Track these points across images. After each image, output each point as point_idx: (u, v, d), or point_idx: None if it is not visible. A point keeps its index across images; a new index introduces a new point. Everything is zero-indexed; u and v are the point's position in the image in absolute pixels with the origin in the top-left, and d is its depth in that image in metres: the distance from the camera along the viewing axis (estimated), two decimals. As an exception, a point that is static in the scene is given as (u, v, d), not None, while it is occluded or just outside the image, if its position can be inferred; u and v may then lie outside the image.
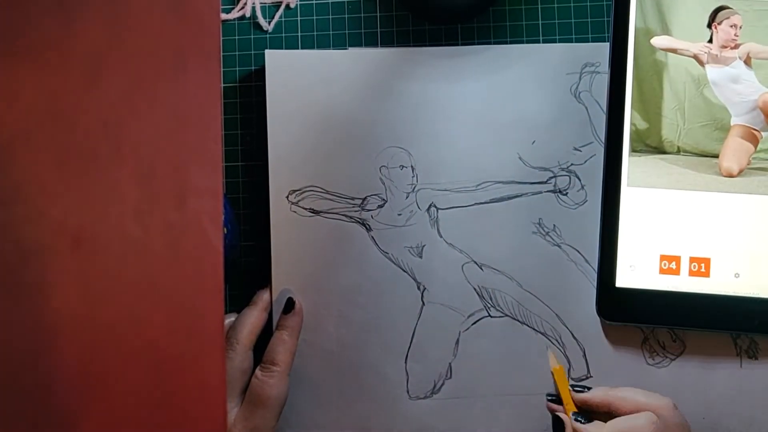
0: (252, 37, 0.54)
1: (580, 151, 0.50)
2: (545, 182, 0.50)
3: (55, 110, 0.33)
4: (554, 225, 0.50)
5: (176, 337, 0.35)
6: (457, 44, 0.53)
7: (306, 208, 0.51)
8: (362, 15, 0.53)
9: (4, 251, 0.32)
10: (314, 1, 0.53)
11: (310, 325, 0.50)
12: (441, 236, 0.51)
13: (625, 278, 0.48)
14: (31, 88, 0.33)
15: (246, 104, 0.53)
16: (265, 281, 0.51)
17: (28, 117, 0.33)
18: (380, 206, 0.51)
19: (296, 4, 0.53)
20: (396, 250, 0.51)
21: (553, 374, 0.49)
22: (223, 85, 0.53)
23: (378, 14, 0.53)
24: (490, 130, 0.51)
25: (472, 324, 0.50)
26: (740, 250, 0.48)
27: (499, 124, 0.51)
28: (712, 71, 0.48)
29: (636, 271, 0.48)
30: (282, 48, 0.53)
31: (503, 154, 0.51)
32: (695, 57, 0.49)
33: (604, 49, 0.50)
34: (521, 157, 0.51)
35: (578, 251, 0.50)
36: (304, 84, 0.51)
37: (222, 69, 0.53)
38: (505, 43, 0.52)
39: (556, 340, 0.50)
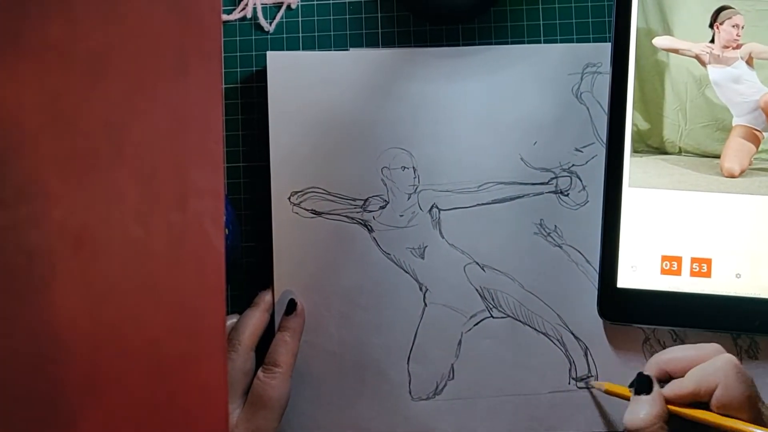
0: (253, 38, 0.54)
1: (582, 151, 0.50)
2: (547, 183, 0.50)
3: (56, 111, 0.33)
4: (556, 226, 0.50)
5: (178, 338, 0.35)
6: (459, 45, 0.53)
7: (308, 209, 0.51)
8: (363, 16, 0.53)
9: (7, 252, 0.32)
10: (315, 2, 0.53)
11: (312, 327, 0.50)
12: (443, 237, 0.51)
13: (627, 279, 0.48)
14: (32, 89, 0.33)
15: (247, 105, 0.53)
16: (267, 282, 0.51)
17: (30, 118, 0.33)
18: (382, 207, 0.51)
19: (297, 5, 0.53)
20: (398, 251, 0.51)
21: (609, 393, 0.47)
22: (224, 86, 0.53)
23: (379, 15, 0.53)
24: (492, 131, 0.51)
25: (474, 325, 0.50)
26: (741, 251, 0.48)
27: (500, 124, 0.51)
28: (713, 71, 0.48)
29: (637, 271, 0.48)
30: (283, 49, 0.53)
31: (505, 155, 0.51)
32: (697, 57, 0.49)
33: (605, 49, 0.50)
34: (523, 157, 0.51)
35: (580, 252, 0.50)
36: (305, 85, 0.51)
37: (223, 70, 0.53)
38: (507, 43, 0.52)
39: (558, 341, 0.50)
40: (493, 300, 0.50)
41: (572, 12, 0.52)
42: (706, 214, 0.48)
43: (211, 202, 0.36)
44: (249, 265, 0.53)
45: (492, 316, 0.50)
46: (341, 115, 0.51)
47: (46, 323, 0.33)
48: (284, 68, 0.51)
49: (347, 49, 0.52)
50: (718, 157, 0.48)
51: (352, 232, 0.51)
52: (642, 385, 0.43)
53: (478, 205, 0.50)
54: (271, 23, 0.53)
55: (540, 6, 0.52)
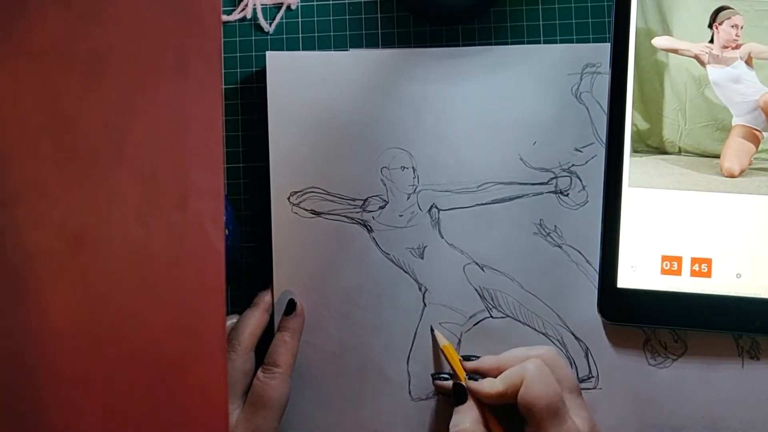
0: (253, 38, 0.54)
1: (581, 151, 0.50)
2: (546, 183, 0.50)
3: (56, 111, 0.33)
4: (555, 226, 0.50)
5: (178, 339, 0.35)
6: (458, 45, 0.53)
7: (307, 210, 0.51)
8: (363, 16, 0.53)
9: (6, 253, 0.32)
10: (315, 3, 0.53)
11: (312, 327, 0.50)
12: (442, 237, 0.51)
13: (627, 279, 0.48)
14: (32, 89, 0.33)
15: (247, 106, 0.53)
16: (267, 283, 0.51)
17: (30, 119, 0.33)
18: (381, 207, 0.51)
19: (297, 6, 0.53)
20: (397, 251, 0.51)
21: (443, 352, 0.49)
22: (224, 86, 0.53)
23: (379, 15, 0.53)
24: (491, 131, 0.51)
25: (474, 325, 0.50)
26: (742, 251, 0.48)
27: (500, 124, 0.51)
28: (713, 71, 0.48)
29: (637, 271, 0.48)
30: (283, 49, 0.53)
31: (504, 155, 0.51)
32: (696, 57, 0.49)
33: (605, 49, 0.50)
34: (522, 157, 0.51)
35: (579, 252, 0.50)
36: (305, 85, 0.51)
37: (223, 70, 0.53)
38: (506, 43, 0.52)
39: (558, 341, 0.50)
40: (492, 300, 0.50)
41: (572, 12, 0.52)
42: (706, 214, 0.48)
43: (211, 203, 0.36)
44: (249, 265, 0.53)
45: (491, 317, 0.50)
46: (341, 115, 0.51)
47: (45, 323, 0.33)
48: (284, 68, 0.51)
49: (347, 50, 0.52)
50: (717, 156, 0.48)
51: (351, 232, 0.51)
52: (459, 395, 0.46)
53: (478, 205, 0.50)
54: (270, 24, 0.53)
55: (540, 6, 0.52)
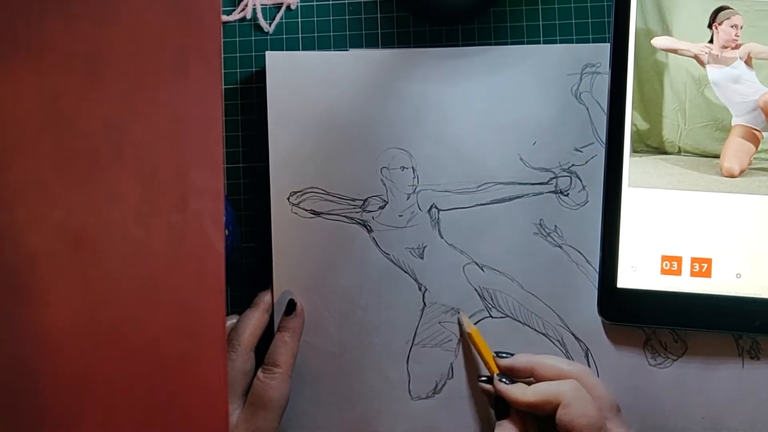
0: (253, 38, 0.54)
1: (581, 151, 0.50)
2: (546, 183, 0.50)
3: (55, 112, 0.33)
4: (555, 226, 0.50)
5: (178, 339, 0.35)
6: (458, 45, 0.53)
7: (307, 210, 0.51)
8: (363, 16, 0.53)
9: (6, 253, 0.32)
10: (315, 3, 0.53)
11: (312, 327, 0.50)
12: (442, 237, 0.51)
13: (627, 279, 0.48)
14: (31, 89, 0.33)
15: (247, 106, 0.53)
16: (267, 283, 0.51)
17: (29, 119, 0.33)
18: (381, 207, 0.51)
19: (297, 6, 0.53)
20: (397, 251, 0.51)
21: (470, 337, 0.49)
22: (224, 86, 0.53)
23: (379, 15, 0.53)
24: (491, 131, 0.51)
25: (474, 324, 0.50)
26: (742, 251, 0.48)
27: (499, 124, 0.51)
28: (712, 71, 0.48)
29: (637, 271, 0.48)
30: (283, 49, 0.53)
31: (504, 155, 0.51)
32: (696, 57, 0.49)
33: (604, 49, 0.50)
34: (522, 157, 0.51)
35: (579, 252, 0.50)
36: (304, 85, 0.51)
37: (223, 70, 0.53)
38: (506, 43, 0.52)
39: (558, 341, 0.50)
40: (492, 300, 0.50)
41: (571, 12, 0.52)
42: (706, 214, 0.48)
43: (211, 203, 0.36)
44: (248, 265, 0.52)
45: (491, 316, 0.50)
46: (340, 115, 0.51)
47: (45, 324, 0.33)
48: (283, 68, 0.51)
49: (347, 50, 0.52)
50: (717, 156, 0.48)
51: (351, 232, 0.51)
52: (501, 411, 0.46)
53: (478, 205, 0.50)
54: (270, 24, 0.53)
55: (539, 6, 0.52)
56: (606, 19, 0.52)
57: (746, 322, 0.47)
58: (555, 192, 0.50)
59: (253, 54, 0.53)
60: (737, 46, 0.48)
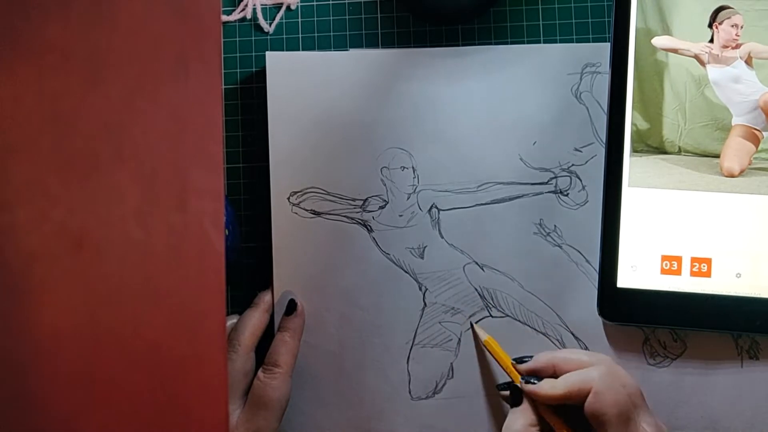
0: (253, 38, 0.54)
1: (581, 151, 0.50)
2: (546, 183, 0.50)
3: (55, 113, 0.33)
4: (555, 226, 0.50)
5: (178, 339, 0.35)
6: (458, 45, 0.53)
7: (307, 210, 0.51)
8: (363, 16, 0.53)
9: (6, 254, 0.32)
10: (315, 3, 0.53)
11: (312, 327, 0.50)
12: (442, 237, 0.51)
13: (627, 279, 0.48)
14: (32, 90, 0.33)
15: (247, 106, 0.53)
16: (267, 283, 0.51)
17: (29, 119, 0.33)
18: (381, 207, 0.51)
19: (297, 6, 0.53)
20: (397, 251, 0.51)
21: (487, 346, 0.48)
22: (224, 86, 0.53)
23: (379, 15, 0.53)
24: (491, 131, 0.51)
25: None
26: (742, 251, 0.48)
27: (500, 124, 0.51)
28: (713, 71, 0.48)
29: (637, 271, 0.48)
30: (283, 49, 0.53)
31: (504, 155, 0.51)
32: (696, 57, 0.49)
33: (604, 49, 0.50)
34: (522, 157, 0.51)
35: (579, 252, 0.50)
36: (305, 85, 0.51)
37: (223, 71, 0.53)
38: (506, 43, 0.52)
39: (558, 340, 0.50)
40: (492, 300, 0.50)
41: (572, 12, 0.52)
42: (706, 213, 0.48)
43: (211, 203, 0.36)
44: (249, 265, 0.53)
45: (491, 316, 0.50)
46: (340, 115, 0.51)
47: (45, 324, 0.33)
48: (283, 68, 0.51)
49: (347, 50, 0.52)
50: (717, 156, 0.48)
51: (351, 232, 0.51)
52: (515, 397, 0.46)
53: (478, 205, 0.50)
54: (270, 24, 0.53)
55: (540, 6, 0.52)
56: (606, 19, 0.52)
57: (746, 321, 0.47)
58: (555, 192, 0.50)
59: (253, 54, 0.53)
60: (737, 46, 0.48)
